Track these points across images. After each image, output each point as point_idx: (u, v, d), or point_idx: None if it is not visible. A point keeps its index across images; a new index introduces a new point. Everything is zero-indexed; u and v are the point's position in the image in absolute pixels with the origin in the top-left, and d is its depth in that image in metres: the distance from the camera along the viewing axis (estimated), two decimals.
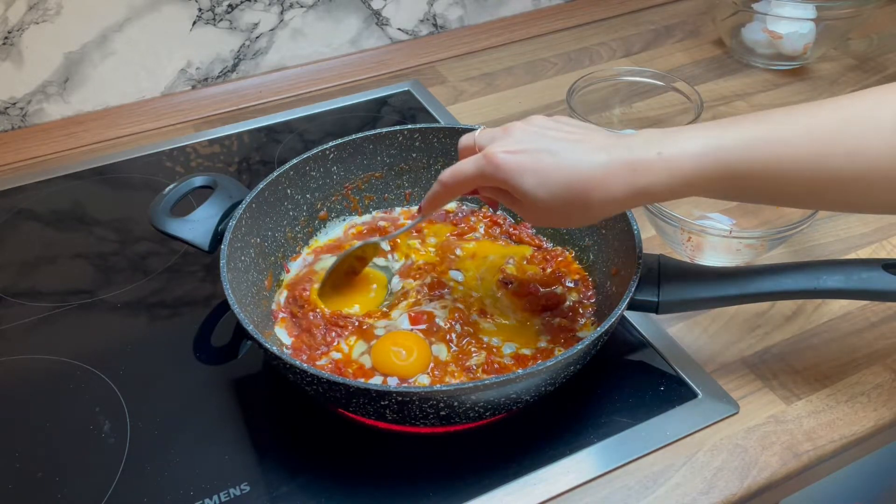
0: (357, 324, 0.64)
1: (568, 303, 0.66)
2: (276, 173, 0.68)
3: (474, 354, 0.61)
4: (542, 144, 0.50)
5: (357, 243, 0.68)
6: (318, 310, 0.65)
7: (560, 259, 0.71)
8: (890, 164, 0.45)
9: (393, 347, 0.60)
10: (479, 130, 0.55)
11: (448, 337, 0.62)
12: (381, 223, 0.75)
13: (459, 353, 0.61)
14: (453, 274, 0.69)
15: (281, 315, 0.65)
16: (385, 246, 0.71)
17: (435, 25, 1.13)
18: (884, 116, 0.45)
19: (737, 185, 0.48)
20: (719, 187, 0.48)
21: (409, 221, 0.64)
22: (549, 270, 0.70)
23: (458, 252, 0.71)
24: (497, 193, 0.54)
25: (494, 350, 0.62)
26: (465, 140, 0.56)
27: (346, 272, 0.67)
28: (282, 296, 0.67)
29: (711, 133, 0.48)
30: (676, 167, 0.47)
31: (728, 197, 0.51)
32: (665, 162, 0.48)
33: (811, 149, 0.46)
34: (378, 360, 0.60)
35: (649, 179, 0.48)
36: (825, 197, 0.48)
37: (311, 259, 0.71)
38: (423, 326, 0.63)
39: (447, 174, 0.55)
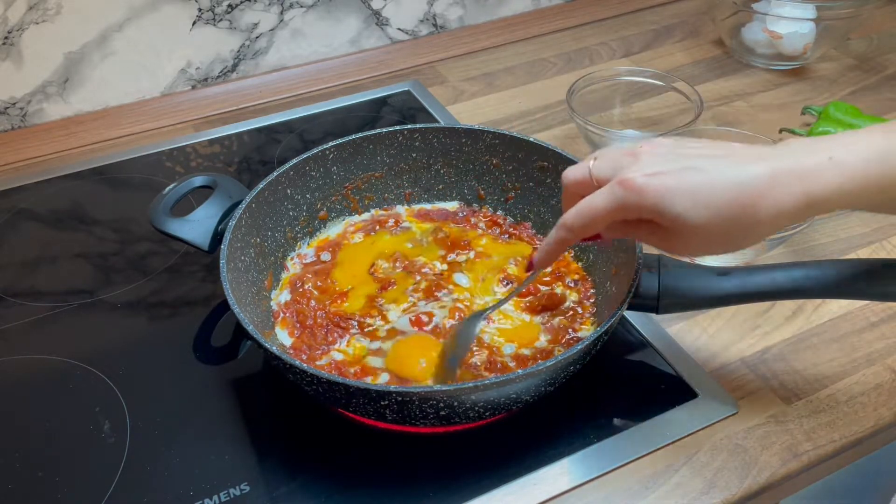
0: (357, 325, 0.64)
1: (568, 303, 0.66)
2: (276, 173, 0.68)
3: (476, 353, 0.61)
4: (685, 163, 0.45)
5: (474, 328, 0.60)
6: (321, 308, 0.65)
7: (560, 259, 0.71)
8: None
9: (417, 356, 0.60)
10: (591, 161, 0.49)
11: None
12: (381, 217, 0.76)
13: None
14: (456, 277, 0.69)
15: (282, 315, 0.65)
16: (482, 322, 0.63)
17: (435, 25, 1.13)
18: None
19: None
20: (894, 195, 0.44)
21: (518, 286, 0.62)
22: (548, 270, 0.70)
23: (463, 258, 0.71)
24: (636, 227, 0.48)
25: (495, 349, 0.62)
26: (575, 173, 0.50)
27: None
28: (283, 296, 0.67)
29: (882, 135, 0.43)
30: (850, 172, 0.43)
31: None
32: (838, 167, 0.43)
33: None
34: (398, 365, 0.60)
35: (821, 186, 0.43)
36: None
37: (313, 256, 0.72)
38: (425, 329, 0.63)
39: (572, 217, 0.48)
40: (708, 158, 0.45)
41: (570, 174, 0.50)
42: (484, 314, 0.60)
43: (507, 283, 0.68)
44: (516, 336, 0.63)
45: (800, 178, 0.43)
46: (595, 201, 0.47)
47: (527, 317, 0.65)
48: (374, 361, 0.61)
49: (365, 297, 0.66)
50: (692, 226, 0.44)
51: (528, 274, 0.57)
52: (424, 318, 0.64)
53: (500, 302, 0.62)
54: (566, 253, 0.71)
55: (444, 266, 0.70)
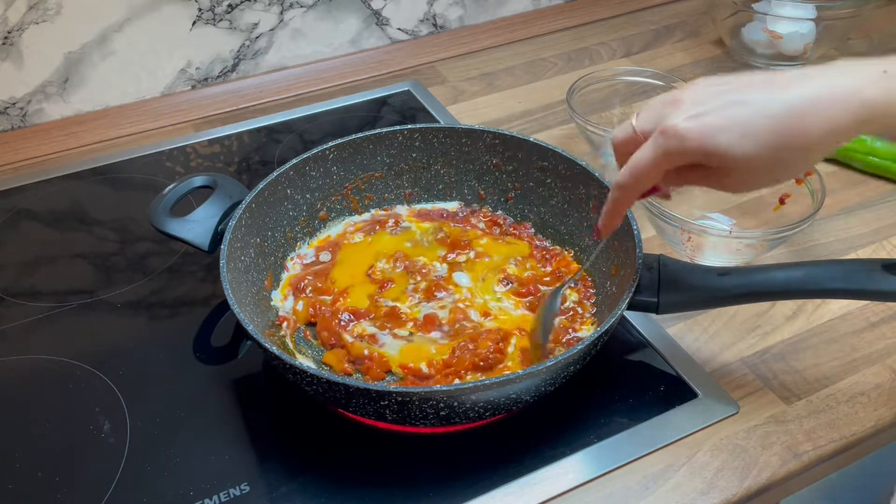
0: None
1: (568, 303, 0.66)
2: (276, 173, 0.68)
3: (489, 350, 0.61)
4: (727, 99, 0.44)
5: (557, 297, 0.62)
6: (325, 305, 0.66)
7: (559, 258, 0.71)
8: None
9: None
10: (634, 117, 0.49)
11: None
12: (381, 217, 0.76)
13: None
14: (456, 276, 0.69)
15: (284, 313, 0.66)
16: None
17: (435, 25, 1.13)
18: None
19: None
20: None
21: (596, 249, 0.61)
22: (549, 269, 0.70)
23: (463, 258, 0.71)
24: (686, 174, 0.48)
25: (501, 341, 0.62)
26: (620, 132, 0.50)
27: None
28: (288, 301, 0.67)
29: None
30: None
31: None
32: (892, 79, 0.42)
33: None
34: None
35: (875, 96, 0.42)
36: None
37: (313, 256, 0.72)
38: (433, 330, 0.63)
39: (623, 175, 0.48)
40: (752, 90, 0.44)
41: (617, 134, 0.50)
42: (561, 289, 0.62)
43: (508, 283, 0.68)
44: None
45: (855, 91, 0.42)
46: (641, 155, 0.47)
47: (527, 316, 0.65)
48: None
49: (366, 296, 0.67)
50: (740, 160, 0.44)
51: (597, 242, 0.57)
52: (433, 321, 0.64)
53: (578, 271, 0.63)
54: (566, 253, 0.71)
55: (445, 266, 0.70)
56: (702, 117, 0.44)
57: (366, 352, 0.61)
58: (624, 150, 0.50)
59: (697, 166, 0.46)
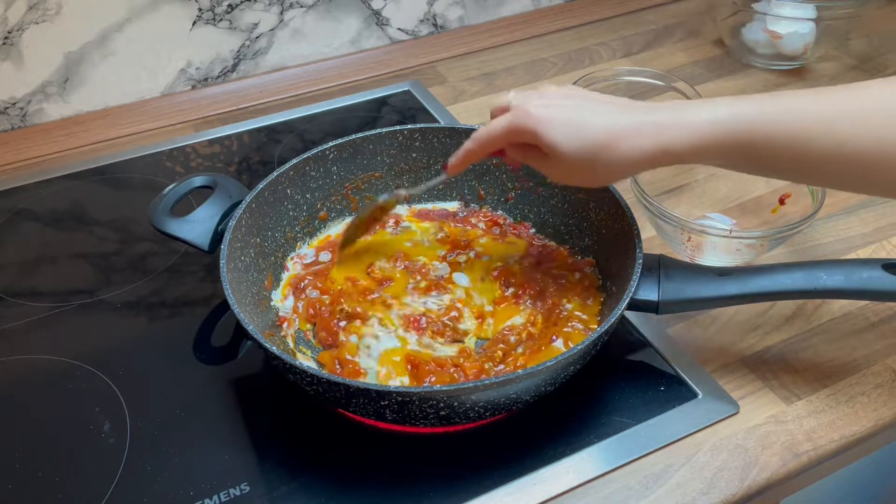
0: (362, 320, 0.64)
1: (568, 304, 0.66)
2: (276, 173, 0.68)
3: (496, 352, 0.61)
4: (574, 102, 0.54)
5: (381, 197, 0.68)
6: (325, 305, 0.65)
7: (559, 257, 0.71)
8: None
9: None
10: (511, 93, 0.58)
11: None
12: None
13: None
14: (455, 276, 0.69)
15: (284, 313, 0.66)
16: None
17: (435, 25, 1.13)
18: None
19: (750, 153, 0.50)
20: (734, 154, 0.51)
21: (436, 180, 0.65)
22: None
23: (463, 258, 0.70)
24: (524, 151, 0.56)
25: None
26: (497, 102, 0.59)
27: (366, 227, 0.70)
28: (288, 301, 0.67)
29: (734, 103, 0.51)
30: (697, 130, 0.51)
31: (742, 167, 0.53)
32: (687, 125, 0.51)
33: (824, 126, 0.48)
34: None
35: (672, 138, 0.51)
36: (834, 174, 0.50)
37: (313, 256, 0.72)
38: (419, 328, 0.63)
39: (480, 132, 0.58)
40: (594, 103, 0.54)
41: (495, 102, 0.59)
42: (386, 197, 0.67)
43: (507, 283, 0.68)
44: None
45: (657, 130, 0.51)
46: (497, 121, 0.56)
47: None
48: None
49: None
50: (563, 154, 0.53)
51: (443, 178, 0.64)
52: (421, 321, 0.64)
53: (419, 188, 0.67)
54: (564, 249, 0.71)
55: (444, 265, 0.70)
56: (548, 108, 0.54)
57: (347, 356, 0.61)
58: (495, 115, 0.59)
59: (533, 147, 0.55)
